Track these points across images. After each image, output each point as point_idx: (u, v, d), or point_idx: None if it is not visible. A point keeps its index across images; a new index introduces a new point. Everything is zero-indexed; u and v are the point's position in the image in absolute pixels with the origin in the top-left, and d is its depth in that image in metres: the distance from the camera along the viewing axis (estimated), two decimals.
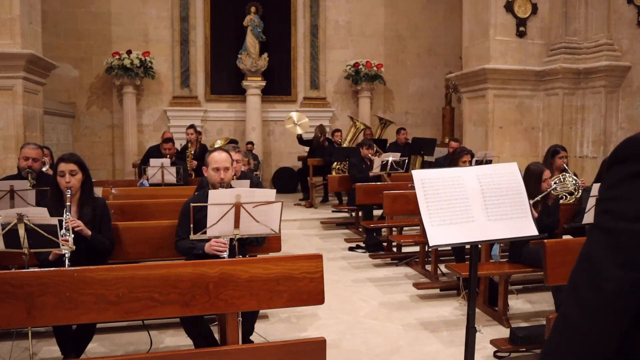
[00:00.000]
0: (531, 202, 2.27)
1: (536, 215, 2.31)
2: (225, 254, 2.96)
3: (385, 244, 6.08)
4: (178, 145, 8.12)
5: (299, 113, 9.55)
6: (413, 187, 2.26)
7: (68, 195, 3.02)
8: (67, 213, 2.94)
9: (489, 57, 7.55)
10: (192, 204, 2.86)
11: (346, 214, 7.85)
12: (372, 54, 10.89)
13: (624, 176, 0.87)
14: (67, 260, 2.81)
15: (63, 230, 2.76)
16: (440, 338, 3.62)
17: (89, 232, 3.04)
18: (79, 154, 3.48)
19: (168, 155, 6.52)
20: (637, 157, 0.87)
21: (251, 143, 9.51)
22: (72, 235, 2.80)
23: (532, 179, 3.89)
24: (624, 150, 0.89)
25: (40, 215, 2.74)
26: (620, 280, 0.83)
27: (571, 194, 4.78)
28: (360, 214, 6.92)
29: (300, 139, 9.43)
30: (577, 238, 3.71)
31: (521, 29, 7.68)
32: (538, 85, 7.80)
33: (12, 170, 5.54)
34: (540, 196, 3.85)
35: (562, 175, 4.83)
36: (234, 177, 4.02)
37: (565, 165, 4.88)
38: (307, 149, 9.71)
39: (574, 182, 4.81)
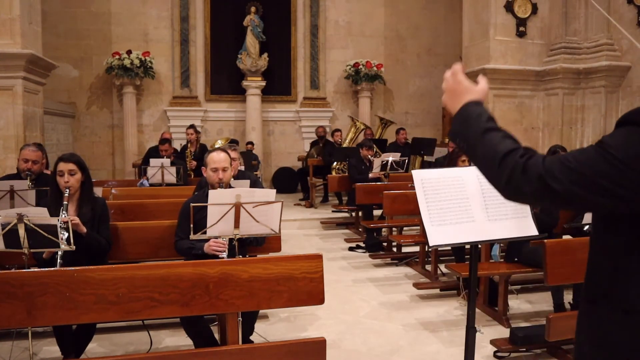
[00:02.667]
0: None
1: (535, 212, 2.30)
2: (224, 254, 2.96)
3: (385, 244, 6.08)
4: (178, 145, 8.14)
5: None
6: (413, 187, 2.26)
7: (66, 195, 3.02)
8: (64, 212, 2.93)
9: (489, 57, 7.55)
10: (192, 204, 2.86)
11: (346, 214, 7.85)
12: (372, 54, 10.88)
13: (624, 131, 1.04)
14: (59, 259, 2.81)
15: (59, 228, 2.75)
16: (440, 338, 3.62)
17: (84, 229, 3.03)
18: (79, 154, 3.48)
19: (166, 156, 6.52)
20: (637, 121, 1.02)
21: (251, 143, 9.51)
22: (67, 234, 2.78)
23: None
24: (631, 115, 1.05)
25: (40, 215, 2.74)
26: (568, 190, 1.03)
27: None
28: (360, 214, 6.93)
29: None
30: (577, 238, 3.71)
31: (521, 29, 7.69)
32: (538, 85, 7.80)
33: (12, 170, 5.53)
34: None
35: None
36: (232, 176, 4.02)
37: None
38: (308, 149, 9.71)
39: None
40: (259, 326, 3.50)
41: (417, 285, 4.61)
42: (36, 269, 2.51)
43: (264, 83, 10.05)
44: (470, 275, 2.33)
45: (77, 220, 2.99)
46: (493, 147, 1.14)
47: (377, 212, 6.93)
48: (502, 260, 4.19)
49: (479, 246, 3.69)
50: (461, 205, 2.18)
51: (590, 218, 3.66)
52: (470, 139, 1.19)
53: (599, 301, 1.16)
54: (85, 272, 2.36)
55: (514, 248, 4.01)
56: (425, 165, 8.49)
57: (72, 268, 2.39)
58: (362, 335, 3.67)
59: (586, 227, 3.77)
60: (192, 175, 7.01)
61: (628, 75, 7.15)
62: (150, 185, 5.93)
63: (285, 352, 2.52)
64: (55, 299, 2.30)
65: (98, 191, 3.93)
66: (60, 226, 2.76)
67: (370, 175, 6.83)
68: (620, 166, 1.00)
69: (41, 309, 2.29)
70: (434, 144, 8.83)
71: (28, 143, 4.70)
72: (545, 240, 3.03)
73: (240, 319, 2.67)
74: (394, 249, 5.94)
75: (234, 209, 2.84)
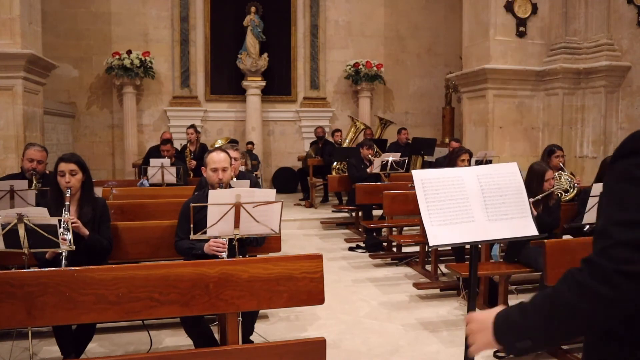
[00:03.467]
0: (532, 200, 2.26)
1: (535, 213, 2.30)
2: (224, 254, 2.96)
3: (385, 244, 6.08)
4: (178, 145, 8.13)
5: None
6: (413, 187, 2.26)
7: (67, 195, 3.02)
8: (66, 212, 2.94)
9: (489, 57, 7.54)
10: (192, 204, 2.86)
11: (346, 214, 7.85)
12: (372, 54, 10.88)
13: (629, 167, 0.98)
14: (63, 260, 2.81)
15: (61, 229, 2.76)
16: (440, 338, 3.62)
17: (86, 232, 3.03)
18: (79, 154, 3.48)
19: (167, 156, 6.52)
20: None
21: (251, 143, 9.51)
22: (71, 235, 2.79)
23: (535, 179, 3.90)
24: (627, 146, 1.00)
25: (40, 215, 2.74)
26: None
27: (566, 191, 4.89)
28: (360, 214, 6.93)
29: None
30: (577, 238, 3.71)
31: (521, 29, 7.68)
32: (538, 85, 7.80)
33: (12, 170, 5.53)
34: (541, 195, 3.85)
35: (557, 174, 4.89)
36: (232, 176, 4.02)
37: (561, 164, 4.95)
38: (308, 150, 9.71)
39: (569, 180, 4.92)
40: (259, 326, 3.50)
41: (417, 285, 4.61)
42: (36, 269, 2.51)
43: (264, 83, 10.05)
44: (470, 275, 2.33)
45: (78, 223, 2.99)
46: (551, 303, 1.05)
47: (377, 212, 6.93)
48: (502, 260, 4.19)
49: (479, 246, 3.69)
50: (461, 205, 2.18)
51: (590, 218, 3.62)
52: (532, 328, 1.08)
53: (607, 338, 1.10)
54: (85, 272, 2.36)
55: (514, 248, 4.01)
56: (425, 165, 8.49)
57: (72, 268, 2.39)
58: (362, 335, 3.67)
59: (586, 227, 3.77)
60: (192, 175, 7.01)
61: (628, 75, 7.15)
62: (150, 185, 5.92)
63: (285, 352, 2.52)
64: (55, 299, 2.30)
65: (98, 191, 3.93)
66: (64, 227, 2.76)
67: (369, 169, 6.85)
68: None
69: (41, 309, 2.29)
70: (434, 144, 8.83)
71: (32, 143, 4.70)
72: (545, 240, 3.02)
73: (240, 319, 2.67)
74: (394, 249, 5.94)
75: (234, 209, 2.84)
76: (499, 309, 1.18)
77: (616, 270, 0.95)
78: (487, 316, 1.18)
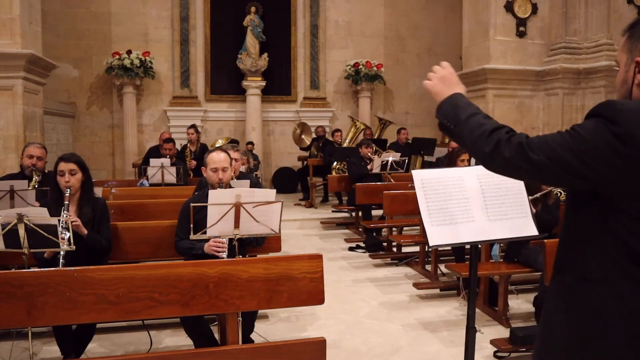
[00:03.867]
0: (530, 198, 2.26)
1: (534, 211, 2.30)
2: (224, 254, 2.96)
3: (385, 244, 6.08)
4: (178, 145, 8.13)
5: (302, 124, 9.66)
6: (413, 187, 2.26)
7: (67, 195, 3.02)
8: (65, 211, 2.94)
9: (489, 57, 7.55)
10: (192, 204, 2.86)
11: (346, 214, 7.85)
12: (372, 54, 10.89)
13: (589, 122, 1.21)
14: (61, 259, 2.81)
15: (60, 228, 2.76)
16: (441, 338, 3.62)
17: (85, 231, 3.03)
18: (79, 154, 3.48)
19: (168, 156, 6.52)
20: (605, 117, 1.18)
21: (251, 143, 9.51)
22: (70, 234, 2.79)
23: None
24: (598, 108, 1.22)
25: (40, 215, 2.74)
26: (542, 161, 1.21)
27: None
28: (360, 214, 6.93)
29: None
30: None
31: (521, 29, 7.69)
32: (538, 85, 7.80)
33: (12, 170, 5.53)
34: (540, 194, 3.85)
35: None
36: (233, 176, 4.02)
37: None
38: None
39: None
40: (259, 326, 3.50)
41: (417, 285, 4.61)
42: (36, 269, 2.51)
43: (264, 83, 10.05)
44: (470, 275, 2.33)
45: (78, 221, 3.00)
46: (481, 124, 1.31)
47: (377, 212, 6.92)
48: (502, 260, 4.19)
49: (479, 246, 3.69)
50: (461, 205, 2.18)
51: None
52: (460, 119, 1.36)
53: (563, 271, 1.33)
54: (85, 272, 2.36)
55: (514, 248, 4.01)
56: (425, 165, 8.49)
57: (72, 268, 2.39)
58: (362, 335, 3.67)
59: None
60: (192, 175, 7.01)
61: None
62: (150, 185, 5.93)
63: (285, 352, 2.52)
64: (55, 299, 2.30)
65: (98, 191, 3.93)
66: (62, 226, 2.76)
67: (370, 167, 6.85)
68: (586, 150, 1.17)
69: (41, 309, 2.29)
70: (434, 144, 8.84)
71: (32, 141, 4.71)
72: (545, 240, 3.02)
73: (240, 319, 2.67)
74: (394, 249, 5.94)
75: (234, 209, 2.84)
76: (461, 89, 1.47)
77: (525, 152, 1.23)
78: (452, 82, 1.47)
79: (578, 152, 1.18)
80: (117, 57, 9.47)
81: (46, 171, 4.38)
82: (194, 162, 7.22)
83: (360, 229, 6.96)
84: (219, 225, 2.84)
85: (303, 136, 9.50)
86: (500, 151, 1.26)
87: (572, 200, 1.32)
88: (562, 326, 1.30)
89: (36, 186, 3.91)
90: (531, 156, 1.22)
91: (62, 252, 2.81)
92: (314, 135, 9.73)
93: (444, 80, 1.49)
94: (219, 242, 2.98)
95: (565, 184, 1.29)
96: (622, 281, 1.20)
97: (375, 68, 10.53)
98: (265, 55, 10.05)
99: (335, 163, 8.68)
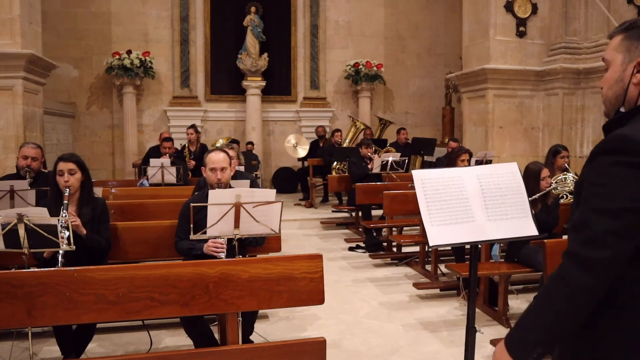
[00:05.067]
0: (530, 199, 2.27)
1: (534, 212, 2.30)
2: (223, 254, 2.96)
3: (385, 244, 6.08)
4: (178, 145, 8.14)
5: (296, 135, 9.65)
6: (413, 187, 2.25)
7: (66, 194, 3.02)
8: (64, 211, 2.94)
9: (489, 57, 7.55)
10: (192, 204, 2.86)
11: (346, 214, 7.85)
12: (372, 54, 10.88)
13: (606, 166, 1.12)
14: (60, 258, 2.81)
15: (59, 228, 2.76)
16: (440, 338, 3.62)
17: (84, 231, 3.03)
18: (79, 154, 3.48)
19: (167, 154, 6.52)
20: (622, 150, 1.10)
21: (251, 143, 9.51)
22: (69, 234, 2.78)
23: (530, 178, 3.91)
24: (609, 144, 1.13)
25: (40, 215, 2.74)
26: (615, 246, 1.09)
27: (572, 193, 4.77)
28: (360, 214, 6.93)
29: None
30: None
31: (521, 29, 7.68)
32: (538, 85, 7.80)
33: (12, 170, 5.53)
34: (538, 194, 3.85)
35: (563, 175, 4.82)
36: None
37: (566, 164, 4.87)
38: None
39: (574, 181, 4.80)
40: (259, 326, 3.50)
41: (417, 285, 4.61)
42: (36, 269, 2.51)
43: (264, 83, 10.05)
44: (470, 275, 2.33)
45: (77, 221, 2.99)
46: (567, 291, 1.15)
47: (377, 212, 6.92)
48: (502, 260, 4.19)
49: (479, 246, 3.69)
50: (461, 205, 2.18)
51: None
52: (537, 330, 1.20)
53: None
54: (85, 272, 2.36)
55: (514, 248, 4.01)
56: (425, 165, 8.49)
57: (72, 268, 2.39)
58: (362, 335, 3.67)
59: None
60: (191, 175, 7.01)
61: None
62: (150, 185, 5.93)
63: (285, 352, 2.52)
64: (55, 299, 2.30)
65: (98, 191, 3.93)
66: (61, 225, 2.76)
67: (370, 165, 6.85)
68: (626, 198, 1.09)
69: (41, 309, 2.29)
70: (434, 144, 8.84)
71: (27, 142, 4.71)
72: (545, 240, 3.02)
73: (240, 319, 2.67)
74: (394, 249, 5.94)
75: (234, 209, 2.84)
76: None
77: (595, 258, 1.09)
78: (499, 348, 1.28)
79: (620, 208, 1.08)
80: (117, 57, 9.47)
81: (46, 171, 4.38)
82: (193, 162, 7.22)
83: (360, 229, 6.96)
84: (219, 225, 2.84)
85: (298, 147, 9.50)
86: (583, 271, 1.12)
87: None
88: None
89: (29, 187, 3.91)
90: (602, 255, 1.09)
91: (61, 252, 2.81)
92: (315, 137, 9.72)
93: None
94: (218, 243, 2.99)
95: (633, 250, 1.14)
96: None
97: (375, 68, 10.53)
98: (265, 55, 10.05)
99: (335, 163, 8.68)
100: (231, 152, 4.32)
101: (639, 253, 1.12)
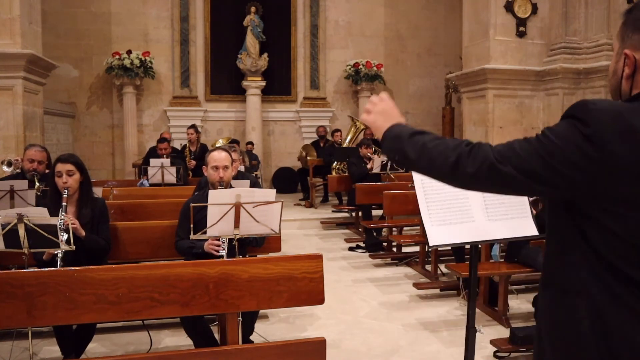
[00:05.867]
0: (530, 199, 2.26)
1: (535, 212, 2.30)
2: (223, 252, 2.96)
3: (385, 244, 6.08)
4: (178, 145, 8.15)
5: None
6: (413, 187, 2.26)
7: (65, 196, 3.01)
8: (63, 212, 2.93)
9: (489, 57, 7.54)
10: (192, 204, 2.86)
11: (346, 214, 7.85)
12: (372, 54, 10.88)
13: (560, 125, 1.16)
14: (59, 260, 2.81)
15: (59, 229, 2.75)
16: (440, 338, 3.62)
17: (83, 233, 3.03)
18: (79, 154, 3.49)
19: (164, 155, 6.52)
20: (576, 118, 1.12)
21: (251, 143, 9.51)
22: (66, 236, 2.78)
23: None
24: (572, 110, 1.16)
25: (40, 215, 2.74)
26: (510, 173, 1.14)
27: None
28: (360, 214, 6.93)
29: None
30: None
31: (521, 29, 7.68)
32: (538, 85, 7.80)
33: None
34: None
35: None
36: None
37: None
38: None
39: None
40: (259, 326, 3.50)
41: (417, 285, 4.61)
42: (36, 269, 2.51)
43: (264, 83, 10.05)
44: (470, 275, 2.33)
45: (76, 223, 2.99)
46: (428, 142, 1.24)
47: (377, 212, 6.92)
48: (502, 260, 4.19)
49: (479, 246, 3.69)
50: (461, 205, 2.18)
51: None
52: (410, 150, 1.27)
53: (549, 285, 1.28)
54: (85, 272, 2.36)
55: (514, 248, 4.01)
56: None
57: (72, 268, 2.39)
58: (362, 335, 3.67)
59: None
60: (191, 175, 7.01)
61: None
62: (150, 185, 5.93)
63: (285, 352, 2.52)
64: (55, 299, 2.30)
65: (98, 191, 3.93)
66: (60, 227, 2.76)
67: (369, 165, 6.85)
68: (555, 156, 1.11)
69: (41, 309, 2.29)
70: None
71: (33, 144, 4.71)
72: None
73: (240, 319, 2.67)
74: (394, 249, 5.94)
75: (234, 209, 2.84)
76: (401, 120, 1.39)
77: (491, 163, 1.14)
78: (392, 114, 1.39)
79: (547, 159, 1.11)
80: (117, 57, 9.47)
81: (47, 171, 4.38)
82: (193, 162, 7.23)
83: (360, 229, 6.96)
84: (219, 225, 2.84)
85: (308, 157, 9.50)
86: (462, 166, 1.17)
87: (550, 210, 1.26)
88: (550, 342, 1.26)
89: (38, 193, 3.90)
90: (499, 168, 1.14)
91: (60, 254, 2.81)
92: (316, 138, 9.73)
93: (383, 114, 1.41)
94: (216, 242, 2.99)
95: (537, 194, 1.22)
96: (599, 294, 1.14)
97: (375, 68, 10.53)
98: (265, 55, 10.05)
99: (335, 163, 8.68)
100: (234, 155, 4.34)
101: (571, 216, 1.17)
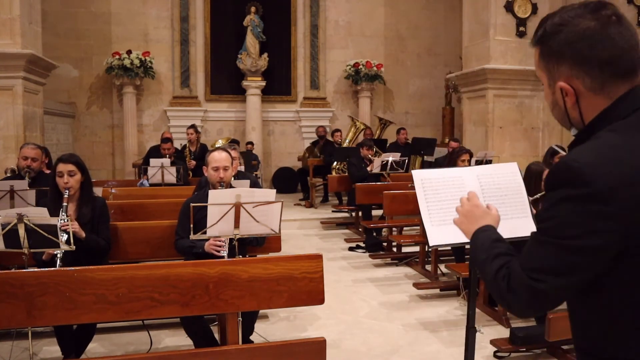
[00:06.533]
0: (530, 199, 2.26)
1: (535, 212, 2.30)
2: (224, 253, 2.96)
3: (385, 244, 6.08)
4: (178, 145, 8.15)
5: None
6: (413, 187, 2.26)
7: (66, 196, 3.02)
8: (63, 213, 2.93)
9: (489, 57, 7.55)
10: (192, 204, 2.86)
11: (346, 214, 7.85)
12: (372, 54, 10.88)
13: (555, 201, 1.05)
14: (58, 261, 2.80)
15: (59, 230, 2.75)
16: (440, 338, 3.62)
17: (83, 234, 3.02)
18: (79, 154, 3.49)
19: (167, 155, 6.52)
20: (566, 183, 1.03)
21: (251, 143, 9.51)
22: (66, 236, 2.78)
23: (532, 178, 3.91)
24: (556, 176, 1.07)
25: (40, 215, 2.74)
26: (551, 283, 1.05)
27: None
28: (360, 214, 6.93)
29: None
30: None
31: (521, 29, 7.69)
32: (538, 85, 7.80)
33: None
34: (540, 194, 3.85)
35: None
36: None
37: None
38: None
39: None
40: (259, 326, 3.50)
41: (417, 285, 4.61)
42: (36, 269, 2.51)
43: (264, 83, 10.05)
44: (470, 275, 2.33)
45: (76, 226, 2.98)
46: (489, 274, 1.20)
47: (377, 212, 6.92)
48: None
49: None
50: None
51: None
52: (480, 267, 1.26)
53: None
54: (85, 272, 2.36)
55: (514, 248, 4.00)
56: (425, 165, 8.49)
57: (72, 268, 2.39)
58: (362, 335, 3.67)
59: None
60: (191, 175, 7.01)
61: None
62: (150, 185, 5.93)
63: (285, 352, 2.52)
64: (55, 299, 2.30)
65: (98, 191, 3.93)
66: (60, 228, 2.76)
67: (369, 168, 6.85)
68: (573, 237, 1.02)
69: (41, 309, 2.29)
70: (434, 144, 8.83)
71: (27, 142, 4.72)
72: None
73: (240, 319, 2.67)
74: (394, 249, 5.94)
75: (234, 209, 2.84)
76: (487, 221, 1.38)
77: (529, 286, 1.07)
78: (476, 216, 1.39)
79: (572, 244, 1.02)
80: (117, 57, 9.46)
81: (49, 172, 4.38)
82: (193, 162, 7.22)
83: (360, 229, 6.96)
84: (219, 225, 2.84)
85: (309, 158, 9.51)
86: (510, 302, 1.13)
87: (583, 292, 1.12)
88: None
89: (27, 186, 3.91)
90: (539, 287, 1.06)
91: (59, 254, 2.81)
92: (315, 137, 9.73)
93: (467, 216, 1.40)
94: (218, 241, 2.99)
95: (587, 280, 1.07)
96: None
97: (375, 68, 10.53)
98: (265, 55, 10.05)
99: (335, 163, 8.68)
100: (233, 153, 4.34)
101: (601, 283, 1.06)
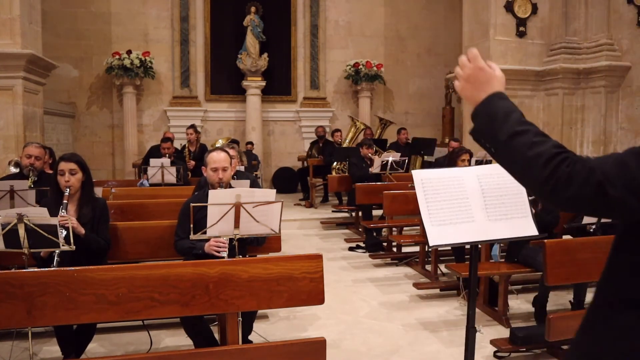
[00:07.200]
0: (530, 199, 2.26)
1: (535, 212, 2.30)
2: (225, 254, 2.96)
3: (385, 244, 6.07)
4: (178, 145, 8.15)
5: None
6: (413, 187, 2.26)
7: (66, 194, 3.02)
8: (63, 210, 2.93)
9: (489, 57, 7.54)
10: (192, 204, 2.86)
11: (346, 214, 7.85)
12: (372, 54, 10.88)
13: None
14: (56, 257, 2.80)
15: (58, 227, 2.75)
16: (440, 338, 3.62)
17: (82, 231, 3.03)
18: (79, 154, 3.48)
19: (167, 155, 6.52)
20: None
21: (251, 143, 9.51)
22: (66, 233, 2.77)
23: None
24: None
25: (40, 215, 2.73)
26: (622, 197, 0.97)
27: None
28: (360, 214, 6.93)
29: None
30: (577, 238, 3.71)
31: (521, 29, 7.69)
32: (538, 85, 7.80)
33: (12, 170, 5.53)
34: None
35: None
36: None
37: None
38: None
39: None
40: (259, 326, 3.50)
41: (417, 285, 4.61)
42: (36, 269, 2.51)
43: (264, 83, 10.05)
44: (470, 275, 2.33)
45: (75, 222, 2.98)
46: (531, 147, 1.06)
47: (377, 212, 6.92)
48: (502, 260, 4.19)
49: (479, 246, 3.69)
50: (461, 205, 2.18)
51: (590, 218, 3.60)
52: (500, 141, 1.11)
53: (620, 305, 1.09)
54: (85, 272, 2.36)
55: (514, 248, 4.01)
56: (425, 165, 8.49)
57: (72, 268, 2.39)
58: (362, 335, 3.67)
59: (593, 228, 3.74)
60: (191, 175, 7.01)
61: (628, 75, 7.15)
62: (150, 185, 5.92)
63: (285, 352, 2.52)
64: (55, 299, 2.30)
65: (98, 191, 3.93)
66: (59, 224, 2.76)
67: (371, 169, 6.85)
68: None
69: (41, 309, 2.29)
70: (434, 144, 8.83)
71: (31, 141, 4.73)
72: (545, 241, 3.02)
73: (240, 319, 2.67)
74: (394, 249, 5.94)
75: (234, 209, 2.84)
76: (496, 87, 1.19)
77: (599, 183, 0.98)
78: (482, 81, 1.20)
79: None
80: (117, 57, 9.46)
81: (51, 172, 4.38)
82: (193, 162, 7.22)
83: (360, 229, 6.96)
84: (219, 225, 2.84)
85: (311, 158, 9.51)
86: (560, 189, 1.01)
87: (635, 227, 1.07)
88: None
89: (32, 186, 3.91)
90: (609, 192, 0.98)
91: (57, 251, 2.81)
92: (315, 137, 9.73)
93: (472, 82, 1.22)
94: (220, 241, 2.99)
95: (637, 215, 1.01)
96: None
97: (375, 68, 10.53)
98: (265, 55, 10.05)
99: (335, 163, 8.68)
100: (232, 152, 4.34)
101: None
